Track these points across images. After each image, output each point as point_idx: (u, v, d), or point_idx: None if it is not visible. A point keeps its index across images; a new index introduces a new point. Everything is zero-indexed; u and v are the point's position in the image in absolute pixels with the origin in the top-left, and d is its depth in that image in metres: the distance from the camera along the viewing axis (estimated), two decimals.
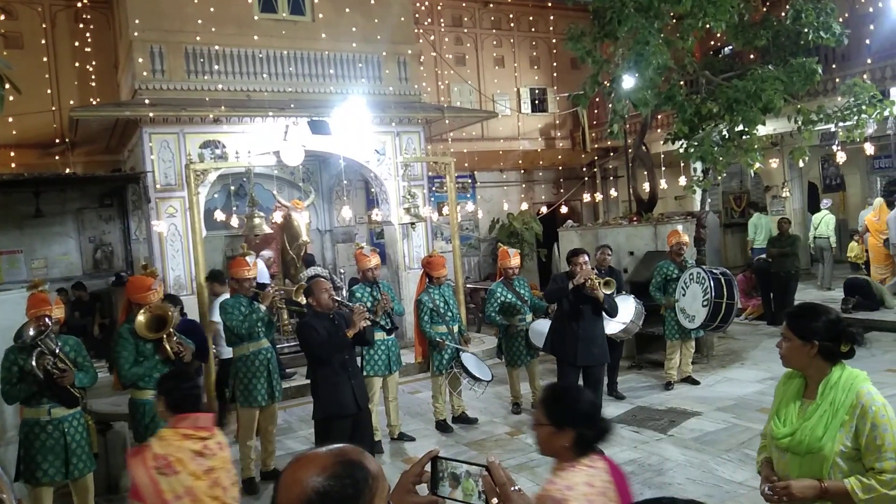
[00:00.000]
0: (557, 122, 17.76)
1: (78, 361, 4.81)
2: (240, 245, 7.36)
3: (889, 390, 7.07)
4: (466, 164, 15.39)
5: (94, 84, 12.04)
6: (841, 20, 9.81)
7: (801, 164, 10.68)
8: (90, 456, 4.90)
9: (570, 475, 2.33)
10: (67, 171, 11.71)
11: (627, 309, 7.55)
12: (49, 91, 12.16)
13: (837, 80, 11.20)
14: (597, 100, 14.75)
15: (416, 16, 14.20)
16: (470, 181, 16.46)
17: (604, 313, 6.07)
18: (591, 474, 2.34)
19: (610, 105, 10.58)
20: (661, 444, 6.21)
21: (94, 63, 12.09)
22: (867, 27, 11.30)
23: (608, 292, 5.79)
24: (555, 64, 17.27)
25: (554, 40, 16.95)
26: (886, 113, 9.27)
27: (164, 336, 5.07)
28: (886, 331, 9.74)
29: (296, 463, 1.34)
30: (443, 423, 7.04)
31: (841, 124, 9.51)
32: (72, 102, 11.73)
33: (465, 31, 16.46)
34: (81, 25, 12.25)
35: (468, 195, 16.23)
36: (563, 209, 13.59)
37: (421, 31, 14.91)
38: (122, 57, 11.33)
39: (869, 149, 9.86)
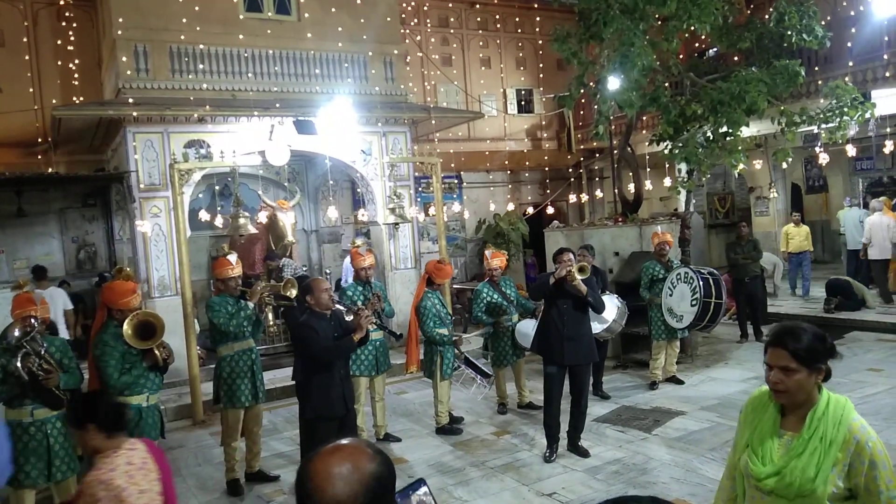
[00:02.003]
0: (543, 122, 17.83)
1: (63, 363, 4.75)
2: (221, 245, 7.33)
3: (870, 389, 7.18)
4: (453, 165, 15.40)
5: (77, 83, 11.93)
6: (823, 23, 9.91)
7: (784, 165, 10.77)
8: (74, 458, 4.84)
9: (111, 460, 2.75)
10: (50, 170, 11.61)
11: (611, 309, 7.57)
12: (31, 90, 12.04)
13: (820, 82, 11.30)
14: (582, 101, 14.81)
15: (403, 16, 14.19)
16: (456, 182, 16.48)
17: (591, 310, 6.07)
18: (130, 455, 2.78)
19: (595, 106, 10.61)
20: (646, 443, 6.24)
21: (76, 62, 11.97)
22: (849, 30, 11.43)
23: (582, 277, 5.75)
24: (541, 65, 17.33)
25: (540, 41, 17.01)
26: (868, 115, 9.37)
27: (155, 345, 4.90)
28: (868, 330, 9.86)
29: (336, 455, 1.36)
30: (449, 427, 6.94)
31: (823, 126, 9.60)
32: (54, 101, 11.63)
33: (452, 31, 16.48)
34: (64, 24, 12.13)
35: (455, 196, 16.25)
36: (550, 210, 13.63)
37: (407, 31, 14.91)
38: (105, 56, 11.24)
39: (851, 150, 9.96)
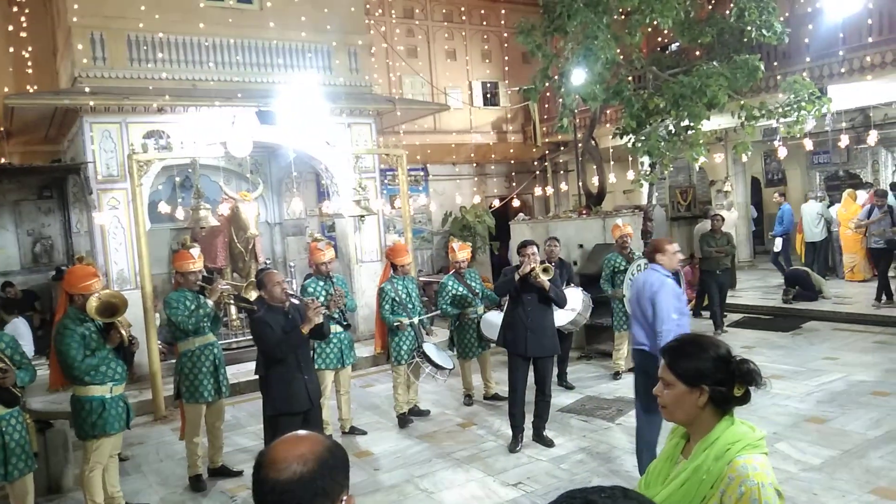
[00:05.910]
0: (509, 115, 17.86)
1: (15, 359, 4.62)
2: (182, 238, 7.19)
3: (826, 377, 7.36)
4: (419, 157, 15.35)
5: (30, 71, 11.57)
6: (782, 19, 10.09)
7: (744, 158, 10.96)
8: (30, 456, 4.71)
9: None
10: (3, 161, 11.26)
11: (575, 301, 7.64)
12: None
13: (779, 77, 11.50)
14: (547, 94, 14.87)
15: (367, 6, 14.06)
16: (422, 174, 16.44)
17: (553, 304, 6.11)
18: None
19: (560, 99, 10.67)
20: (610, 432, 6.32)
21: (30, 49, 11.61)
22: (807, 27, 11.63)
23: (547, 277, 5.80)
24: (506, 58, 17.36)
25: (505, 34, 17.02)
26: (825, 110, 9.58)
27: (118, 321, 4.90)
28: (824, 320, 10.11)
29: (289, 442, 1.49)
30: (403, 417, 6.99)
31: (782, 120, 9.79)
32: (7, 90, 11.25)
33: (417, 23, 16.40)
34: (16, 9, 11.75)
35: (421, 188, 16.21)
36: (515, 202, 13.69)
37: (372, 21, 14.78)
38: (60, 43, 10.93)
39: (808, 144, 10.20)
